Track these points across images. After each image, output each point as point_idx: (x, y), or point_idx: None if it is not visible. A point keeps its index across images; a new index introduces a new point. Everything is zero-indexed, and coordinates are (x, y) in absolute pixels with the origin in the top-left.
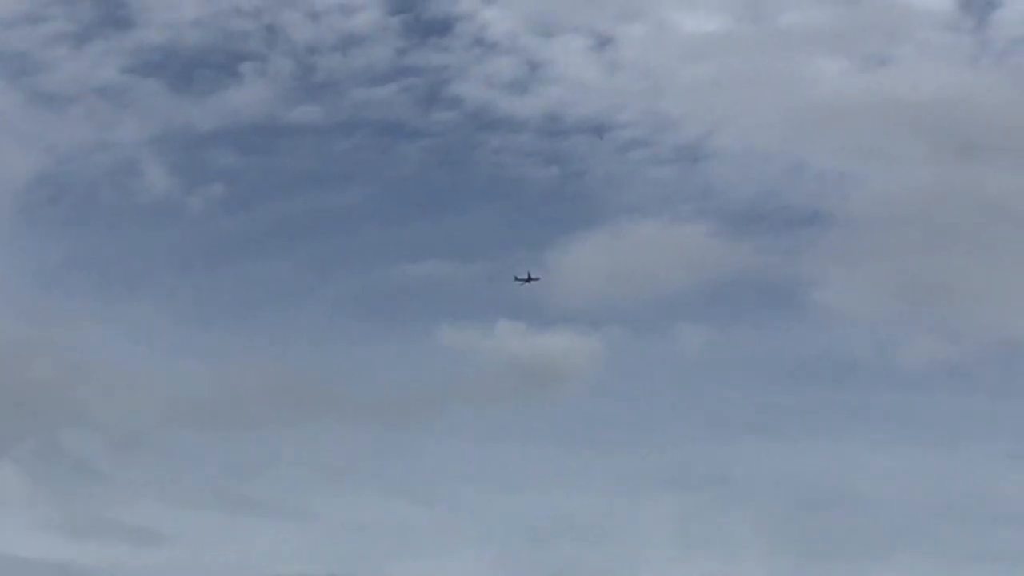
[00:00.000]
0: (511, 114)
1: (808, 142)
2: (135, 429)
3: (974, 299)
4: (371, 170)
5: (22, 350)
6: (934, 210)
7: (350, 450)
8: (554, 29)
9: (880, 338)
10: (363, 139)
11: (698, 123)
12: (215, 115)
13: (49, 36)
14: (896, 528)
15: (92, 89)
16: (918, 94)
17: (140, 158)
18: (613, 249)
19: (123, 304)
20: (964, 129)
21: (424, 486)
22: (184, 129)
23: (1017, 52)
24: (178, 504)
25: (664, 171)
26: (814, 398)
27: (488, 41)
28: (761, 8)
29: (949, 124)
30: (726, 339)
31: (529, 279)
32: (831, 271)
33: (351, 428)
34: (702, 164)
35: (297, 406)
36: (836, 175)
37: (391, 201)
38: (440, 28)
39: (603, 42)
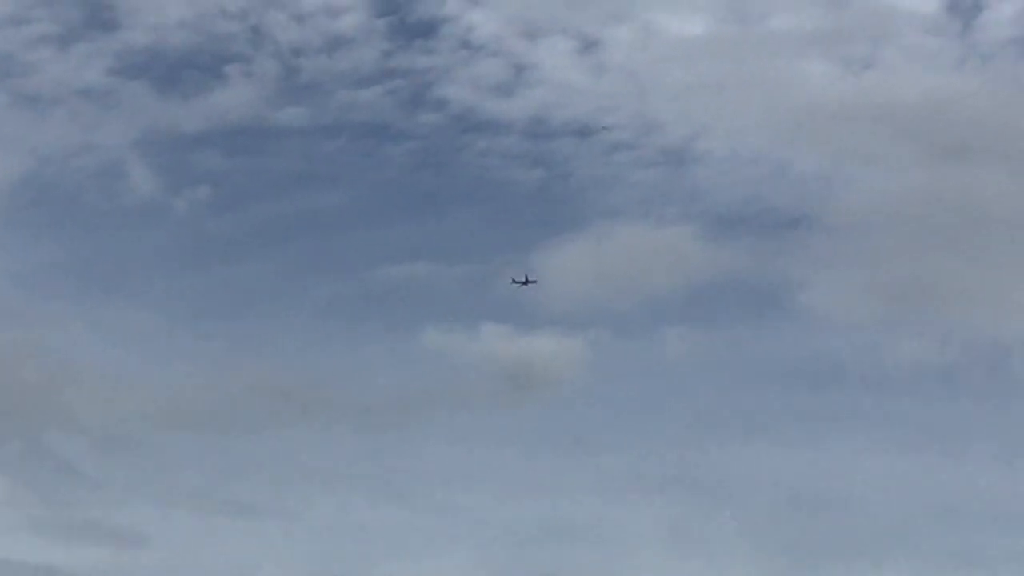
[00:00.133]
0: (496, 116)
1: (794, 145)
2: (121, 431)
3: (961, 302)
4: (356, 172)
5: (6, 352)
6: (921, 213)
7: (336, 452)
8: (540, 32)
9: (867, 341)
10: (348, 141)
11: (684, 126)
12: (200, 117)
13: (33, 38)
14: (885, 531)
15: (77, 91)
16: (904, 97)
17: (125, 160)
18: (599, 252)
19: (108, 306)
20: (950, 132)
21: (409, 489)
22: (169, 131)
23: (1003, 55)
24: (163, 507)
25: (650, 174)
26: (801, 401)
27: (474, 44)
28: (747, 11)
29: (935, 127)
30: (713, 342)
31: (527, 281)
32: (817, 274)
33: (336, 430)
34: (688, 167)
35: (282, 408)
36: (822, 178)
37: (376, 203)
38: (426, 30)
39: (589, 45)
